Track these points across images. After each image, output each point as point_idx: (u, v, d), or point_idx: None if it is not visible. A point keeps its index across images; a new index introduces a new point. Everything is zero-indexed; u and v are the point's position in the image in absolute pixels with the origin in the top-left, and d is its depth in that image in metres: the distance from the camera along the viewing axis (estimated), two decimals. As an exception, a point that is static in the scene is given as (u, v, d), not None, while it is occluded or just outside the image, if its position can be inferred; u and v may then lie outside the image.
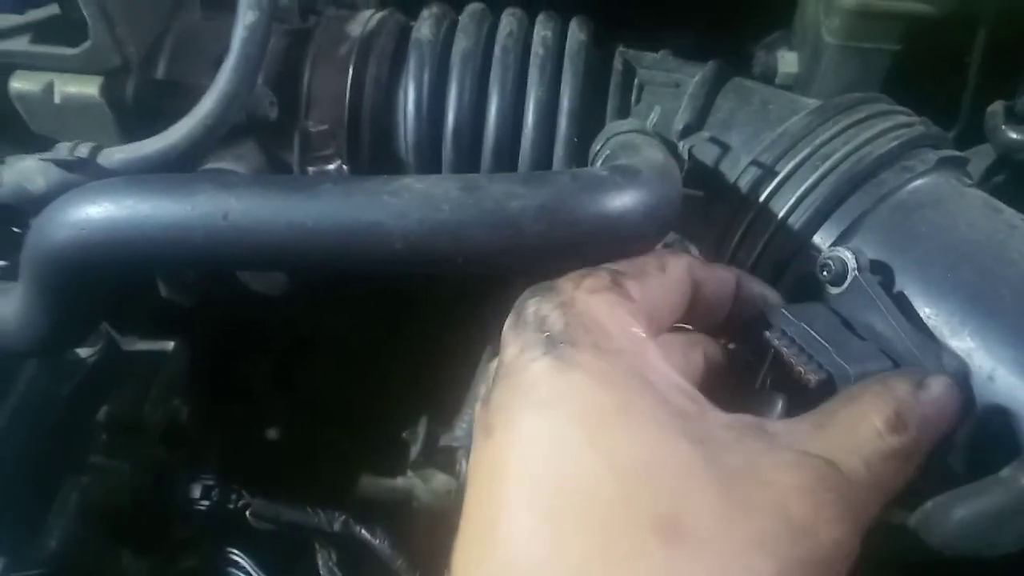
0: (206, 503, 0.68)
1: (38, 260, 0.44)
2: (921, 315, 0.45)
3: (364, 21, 0.60)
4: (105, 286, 0.46)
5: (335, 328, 0.96)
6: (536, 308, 0.36)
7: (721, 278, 0.43)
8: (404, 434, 0.85)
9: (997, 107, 0.65)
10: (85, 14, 0.50)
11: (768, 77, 0.84)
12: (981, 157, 0.69)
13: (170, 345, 0.71)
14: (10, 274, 0.59)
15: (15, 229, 0.59)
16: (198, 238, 0.39)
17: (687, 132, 0.56)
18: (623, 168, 0.41)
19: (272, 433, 0.93)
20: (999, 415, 0.41)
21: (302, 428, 0.93)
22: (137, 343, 0.71)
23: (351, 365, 0.94)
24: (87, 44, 0.52)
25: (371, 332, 0.94)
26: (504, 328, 0.37)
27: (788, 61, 0.83)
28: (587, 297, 0.36)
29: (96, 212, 0.41)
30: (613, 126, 0.55)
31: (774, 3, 0.85)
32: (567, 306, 0.36)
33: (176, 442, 0.70)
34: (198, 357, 0.76)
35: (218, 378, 0.84)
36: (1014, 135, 0.62)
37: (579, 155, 0.58)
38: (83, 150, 0.52)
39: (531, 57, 0.58)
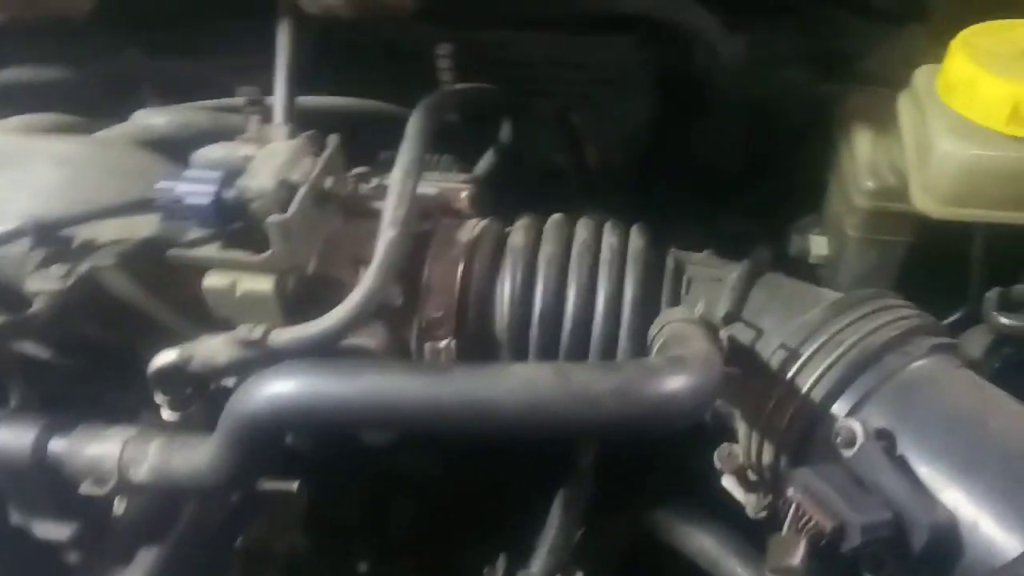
0: (321, 625, 0.79)
1: (237, 421, 0.59)
2: (918, 474, 0.56)
3: (471, 228, 0.77)
4: (281, 442, 0.60)
5: (423, 469, 1.07)
6: None
7: None
8: (484, 570, 0.95)
9: (992, 295, 0.77)
10: (270, 234, 0.68)
11: (802, 257, 0.98)
12: (986, 334, 0.80)
13: (294, 485, 0.84)
14: (182, 427, 0.74)
15: (188, 390, 0.75)
16: (364, 409, 0.53)
17: (728, 319, 0.69)
18: (675, 359, 0.55)
19: (363, 567, 1.04)
20: (983, 554, 0.52)
21: (391, 561, 1.03)
22: (267, 483, 0.84)
23: (437, 503, 1.05)
24: (269, 253, 0.69)
25: (455, 475, 1.05)
26: None
27: (819, 244, 0.97)
28: None
29: (285, 388, 0.56)
30: (667, 314, 0.69)
31: (805, 193, 1.00)
32: None
33: (295, 571, 0.82)
34: (313, 495, 0.89)
35: (324, 514, 0.97)
36: (1005, 321, 0.73)
37: (639, 336, 0.71)
38: (258, 332, 0.68)
39: (601, 259, 0.73)
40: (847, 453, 0.57)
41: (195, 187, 0.69)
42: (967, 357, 0.74)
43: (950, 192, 0.66)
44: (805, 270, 0.94)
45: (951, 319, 0.82)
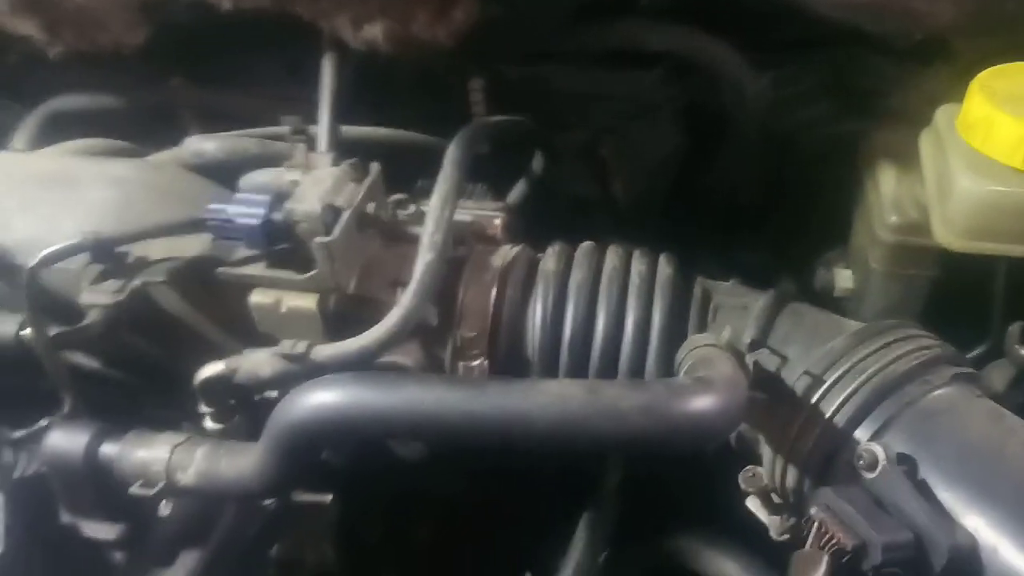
0: (349, 635, 0.81)
1: (282, 430, 0.62)
2: (938, 498, 0.57)
3: (504, 254, 0.80)
4: (322, 450, 0.63)
5: (447, 487, 1.09)
6: None
7: None
8: (505, 590, 0.96)
9: (1015, 328, 0.78)
10: (315, 255, 0.71)
11: (827, 291, 0.99)
12: (1009, 367, 0.81)
13: (327, 498, 0.87)
14: (226, 436, 0.77)
15: (231, 402, 0.78)
16: (403, 420, 0.56)
17: (753, 346, 0.71)
18: (702, 379, 0.57)
19: (384, 580, 1.05)
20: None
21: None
22: (302, 495, 0.87)
23: (460, 522, 1.06)
24: (313, 272, 0.72)
25: (479, 494, 1.07)
26: None
27: (844, 277, 0.98)
28: None
29: (329, 398, 0.59)
30: (694, 339, 0.71)
31: (825, 227, 1.02)
32: None
33: (325, 581, 0.84)
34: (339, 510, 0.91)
35: (349, 529, 0.99)
36: (1026, 355, 0.75)
37: (667, 361, 0.73)
38: (301, 347, 0.71)
39: (630, 285, 0.76)
40: (869, 476, 0.58)
41: (245, 209, 0.73)
42: (990, 389, 0.76)
43: (969, 226, 0.68)
44: (830, 303, 0.96)
45: (975, 353, 0.83)
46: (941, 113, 0.75)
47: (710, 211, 1.13)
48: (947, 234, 0.70)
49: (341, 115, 0.90)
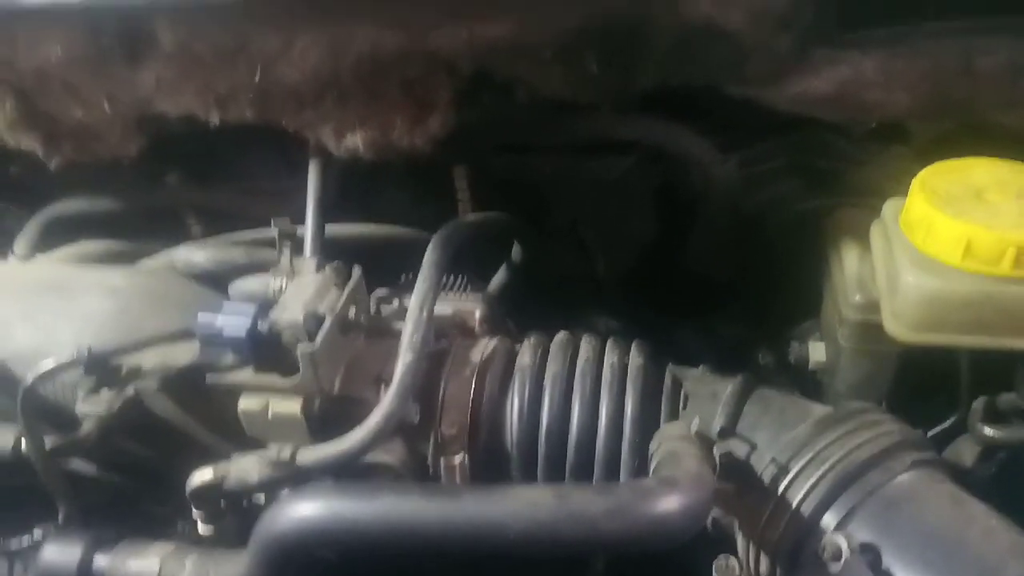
0: None
1: (267, 541, 0.64)
2: (902, 588, 0.59)
3: (482, 348, 0.83)
4: (306, 559, 0.65)
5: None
6: None
7: None
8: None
9: (978, 405, 0.80)
10: (300, 362, 0.74)
11: (801, 365, 1.01)
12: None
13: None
14: (217, 538, 0.80)
15: (222, 504, 0.81)
16: (381, 531, 0.59)
17: (723, 434, 0.74)
18: (667, 479, 0.60)
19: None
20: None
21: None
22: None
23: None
24: (297, 378, 0.75)
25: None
26: None
27: (817, 350, 1.00)
28: None
29: (311, 510, 0.62)
30: (665, 430, 0.74)
31: (804, 299, 1.05)
32: None
33: None
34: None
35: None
36: (989, 432, 0.77)
37: (641, 451, 0.76)
38: (286, 452, 0.74)
39: (603, 377, 0.79)
40: (834, 568, 0.60)
41: (232, 320, 0.76)
42: (958, 466, 0.78)
43: (916, 320, 0.70)
44: (805, 376, 0.98)
45: (945, 425, 0.85)
46: (888, 207, 0.79)
47: (688, 286, 1.17)
48: (897, 327, 0.73)
49: (330, 211, 0.94)
